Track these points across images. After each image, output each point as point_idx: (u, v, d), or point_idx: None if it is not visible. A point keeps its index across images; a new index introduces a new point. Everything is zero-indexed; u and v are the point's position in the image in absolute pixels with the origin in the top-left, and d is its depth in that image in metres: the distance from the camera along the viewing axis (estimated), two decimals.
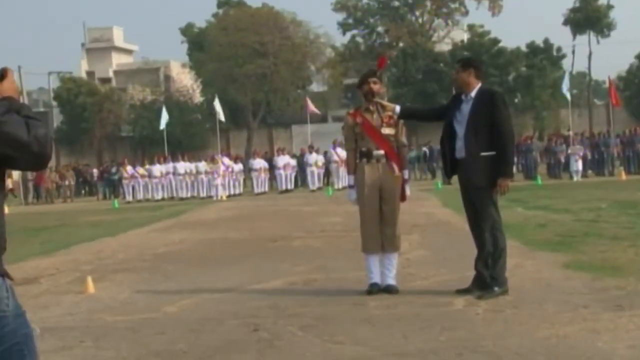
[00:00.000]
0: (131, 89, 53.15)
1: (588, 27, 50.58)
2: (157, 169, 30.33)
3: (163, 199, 29.47)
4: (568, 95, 30.49)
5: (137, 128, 50.04)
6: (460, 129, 6.66)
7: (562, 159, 28.72)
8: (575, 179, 26.56)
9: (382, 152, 6.95)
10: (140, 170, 31.05)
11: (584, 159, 27.95)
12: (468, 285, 6.65)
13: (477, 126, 6.52)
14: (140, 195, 30.60)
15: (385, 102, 7.17)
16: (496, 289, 6.44)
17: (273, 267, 8.97)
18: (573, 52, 51.50)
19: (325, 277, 8.02)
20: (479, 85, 6.70)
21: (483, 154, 6.50)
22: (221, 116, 31.88)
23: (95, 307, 7.05)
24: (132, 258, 10.63)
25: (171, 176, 30.23)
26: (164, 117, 33.38)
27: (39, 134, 2.49)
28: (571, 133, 30.96)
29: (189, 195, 29.54)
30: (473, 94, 6.64)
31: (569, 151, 27.78)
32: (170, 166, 30.47)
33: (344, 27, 53.77)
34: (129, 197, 30.41)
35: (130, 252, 11.41)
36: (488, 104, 6.54)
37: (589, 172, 28.68)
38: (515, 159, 28.20)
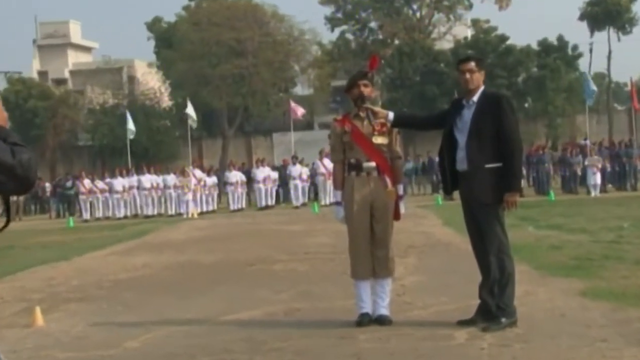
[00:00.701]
0: (90, 92, 53.02)
1: (607, 23, 50.91)
2: (119, 182, 30.19)
3: (126, 217, 29.31)
4: (590, 101, 30.40)
5: (97, 136, 49.88)
6: (461, 138, 6.66)
7: (579, 172, 28.81)
8: (593, 194, 26.65)
9: (373, 164, 6.95)
10: (100, 184, 30.89)
11: (603, 171, 28.05)
12: (471, 316, 6.63)
13: (480, 134, 6.53)
14: (99, 213, 30.40)
15: (377, 108, 7.16)
16: (503, 320, 6.42)
17: (250, 294, 8.93)
18: (591, 50, 51.93)
19: (309, 306, 7.98)
20: (482, 88, 6.70)
21: (487, 165, 6.50)
22: (193, 123, 31.84)
23: (43, 343, 6.98)
24: (88, 285, 10.54)
25: (135, 191, 30.10)
26: (130, 126, 33.34)
27: (23, 159, 2.85)
28: (588, 142, 31.11)
29: (155, 212, 29.46)
30: (476, 98, 6.64)
31: (586, 163, 27.88)
32: (134, 179, 30.34)
33: (332, 22, 53.94)
34: (87, 215, 30.23)
35: (86, 278, 11.32)
36: (493, 109, 6.54)
37: (609, 186, 28.79)
38: (525, 172, 28.58)
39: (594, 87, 30.56)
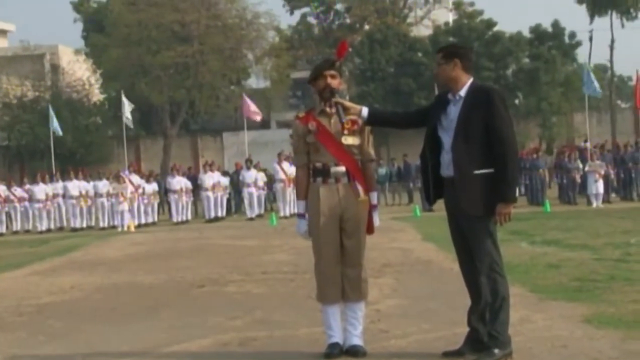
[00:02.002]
0: (5, 82, 52.46)
1: (610, 7, 51.40)
2: (42, 190, 29.94)
3: (49, 230, 29.12)
4: (593, 92, 30.25)
5: (14, 135, 49.37)
6: (446, 139, 6.65)
7: (578, 179, 29.04)
8: (594, 204, 26.88)
9: (342, 168, 6.91)
10: (18, 191, 30.62)
11: (606, 178, 28.29)
12: (459, 347, 6.62)
13: (468, 135, 6.51)
14: (17, 225, 30.17)
15: (348, 103, 7.10)
16: (496, 351, 6.41)
17: (199, 321, 8.88)
18: (590, 39, 52.46)
19: (268, 335, 7.94)
20: (470, 80, 6.70)
21: (477, 171, 6.49)
22: (129, 120, 31.65)
23: None
24: (4, 311, 10.40)
25: (60, 200, 29.90)
26: (55, 124, 33.11)
27: None
28: (589, 145, 31.36)
29: (84, 225, 29.28)
30: (463, 92, 6.64)
31: (587, 168, 28.09)
32: (59, 186, 30.14)
33: (292, 3, 54.06)
34: (2, 228, 29.95)
35: (1, 302, 11.18)
36: (483, 106, 6.53)
37: (613, 196, 29.07)
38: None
39: (597, 86, 30.53)
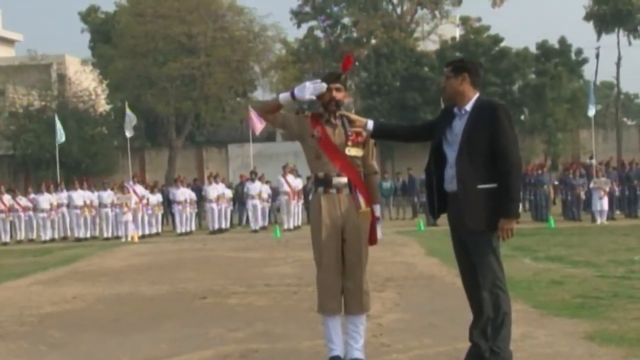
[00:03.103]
0: (12, 92, 52.58)
1: (617, 24, 51.39)
2: (46, 199, 29.95)
3: (53, 240, 29.11)
4: (591, 112, 30.72)
5: (19, 144, 49.47)
6: (451, 153, 6.65)
7: (583, 195, 29.02)
8: (599, 221, 26.85)
9: (344, 179, 6.92)
10: (23, 200, 30.64)
11: (611, 195, 28.28)
12: None
13: (472, 150, 6.51)
14: (21, 235, 30.17)
15: (354, 115, 7.10)
16: None
17: (200, 332, 8.88)
18: (597, 56, 52.41)
19: (270, 347, 7.94)
20: (477, 95, 6.70)
21: (481, 186, 6.49)
22: (129, 131, 31.66)
23: None
24: (6, 320, 10.41)
25: (65, 209, 29.90)
26: (60, 131, 33.17)
27: None
28: (594, 161, 31.34)
29: (88, 235, 29.29)
30: (469, 107, 6.64)
31: (592, 185, 28.08)
32: (63, 196, 30.14)
33: (299, 17, 54.12)
34: (6, 237, 29.93)
35: (4, 311, 11.20)
36: (488, 121, 6.52)
37: (617, 213, 29.02)
38: (522, 195, 28.68)
39: (592, 105, 30.68)
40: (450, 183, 6.65)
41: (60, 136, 33.46)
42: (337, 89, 6.97)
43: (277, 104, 6.96)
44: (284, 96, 6.92)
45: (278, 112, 7.01)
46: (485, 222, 6.46)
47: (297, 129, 7.05)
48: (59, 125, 33.45)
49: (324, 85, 6.85)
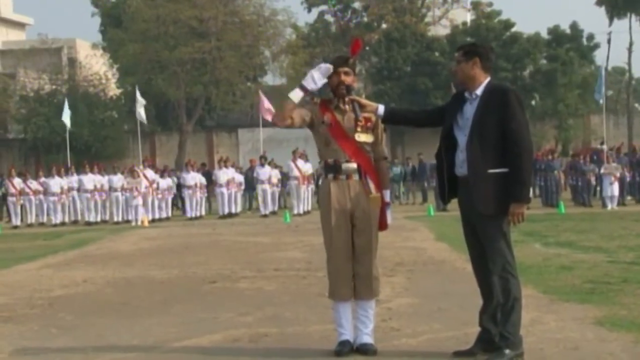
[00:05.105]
0: (22, 76, 52.63)
1: (629, 9, 51.08)
2: (57, 183, 30.01)
3: (63, 224, 29.18)
4: (601, 100, 30.71)
5: (30, 128, 49.51)
6: (461, 138, 6.64)
7: (593, 181, 28.96)
8: (609, 207, 26.79)
9: (354, 165, 6.91)
10: (33, 184, 30.68)
11: (622, 181, 28.20)
12: (470, 346, 6.62)
13: (483, 134, 6.49)
14: (32, 218, 30.24)
15: (364, 100, 7.06)
16: (507, 351, 6.39)
17: (210, 316, 8.89)
18: (609, 41, 52.27)
19: (279, 332, 7.94)
20: (487, 80, 6.68)
21: (491, 171, 6.47)
22: (142, 116, 31.68)
23: None
24: (16, 303, 10.44)
25: (75, 193, 29.95)
26: (67, 115, 33.21)
27: None
28: (605, 147, 31.27)
29: (98, 218, 29.35)
30: (479, 91, 6.62)
31: (602, 171, 28.01)
32: (74, 180, 30.19)
33: (310, 1, 53.96)
34: (17, 221, 30.01)
35: (14, 294, 11.22)
36: (499, 105, 6.51)
37: (628, 198, 28.94)
38: (532, 180, 28.66)
39: (599, 94, 30.72)
40: (461, 167, 6.64)
41: (67, 121, 33.48)
42: (346, 73, 6.93)
43: (291, 105, 6.80)
44: (294, 94, 6.80)
45: (294, 113, 6.84)
46: (495, 207, 6.45)
47: (315, 117, 6.98)
48: (67, 110, 33.48)
49: (329, 66, 6.81)
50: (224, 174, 29.79)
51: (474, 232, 6.66)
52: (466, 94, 6.73)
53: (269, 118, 32.38)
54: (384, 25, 52.40)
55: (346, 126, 6.91)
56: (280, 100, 6.97)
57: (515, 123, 6.47)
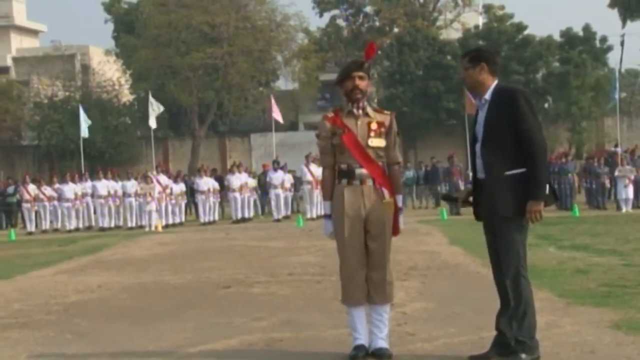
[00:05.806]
0: (36, 82, 52.86)
1: None
2: (71, 189, 30.11)
3: (77, 230, 29.28)
4: (616, 102, 30.65)
5: (44, 134, 49.73)
6: (478, 143, 6.68)
7: (607, 184, 28.88)
8: (624, 209, 26.71)
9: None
10: (47, 190, 30.78)
11: (636, 183, 28.11)
12: (486, 351, 6.59)
13: (496, 136, 6.51)
14: (46, 224, 30.35)
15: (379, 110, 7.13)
16: (523, 356, 6.38)
17: (224, 322, 8.88)
18: (622, 43, 52.11)
19: (294, 336, 7.93)
20: (495, 83, 6.69)
21: (508, 173, 6.48)
22: (153, 122, 31.78)
23: None
24: (32, 309, 10.46)
25: (89, 199, 30.06)
26: (84, 122, 33.34)
27: None
28: (619, 149, 31.16)
29: (112, 224, 29.42)
30: (488, 95, 6.64)
31: (616, 173, 27.94)
32: (88, 186, 30.31)
33: (321, 6, 54.07)
34: (31, 227, 30.11)
35: (30, 300, 11.24)
36: (507, 107, 6.51)
37: None
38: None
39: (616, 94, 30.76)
40: (481, 172, 6.68)
41: (84, 130, 33.63)
42: (360, 77, 6.93)
43: (329, 182, 7.09)
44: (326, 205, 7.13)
45: (331, 171, 7.07)
46: (513, 208, 6.46)
47: (330, 139, 6.99)
48: (83, 117, 33.61)
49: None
50: (237, 179, 29.82)
51: (494, 235, 6.65)
52: (476, 101, 6.76)
53: (279, 117, 32.58)
54: (395, 30, 52.39)
55: (359, 132, 6.89)
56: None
57: (526, 123, 6.48)
